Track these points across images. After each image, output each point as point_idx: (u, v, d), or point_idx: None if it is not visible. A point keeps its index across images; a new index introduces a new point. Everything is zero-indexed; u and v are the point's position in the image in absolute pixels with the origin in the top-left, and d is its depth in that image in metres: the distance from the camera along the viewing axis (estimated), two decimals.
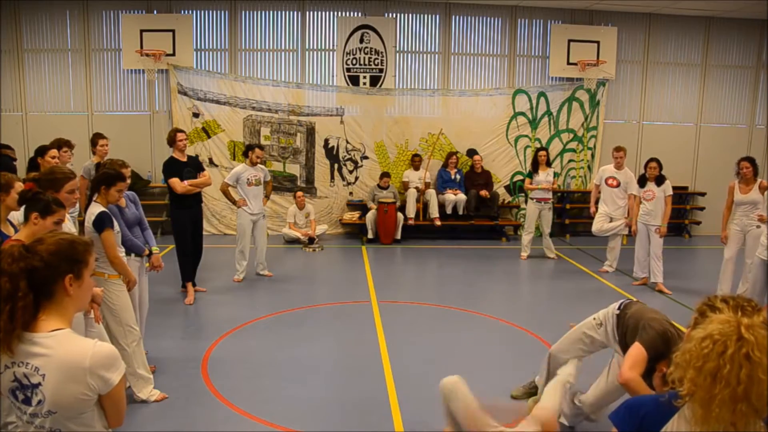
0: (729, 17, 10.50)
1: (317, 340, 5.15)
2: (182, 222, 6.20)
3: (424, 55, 10.30)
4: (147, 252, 4.40)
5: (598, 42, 10.19)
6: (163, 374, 4.29)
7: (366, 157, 10.21)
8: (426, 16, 10.19)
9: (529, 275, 7.87)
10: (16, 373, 1.71)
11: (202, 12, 9.84)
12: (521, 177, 10.23)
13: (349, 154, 10.18)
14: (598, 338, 3.53)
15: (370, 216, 9.49)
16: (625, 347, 3.19)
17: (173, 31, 9.52)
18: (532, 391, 4.01)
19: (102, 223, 3.69)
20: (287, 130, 10.01)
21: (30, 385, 1.69)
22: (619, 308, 3.44)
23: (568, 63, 10.20)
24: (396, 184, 9.99)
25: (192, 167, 6.21)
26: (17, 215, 3.32)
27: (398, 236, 9.48)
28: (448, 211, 9.71)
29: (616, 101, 10.73)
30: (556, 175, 9.58)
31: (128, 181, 4.19)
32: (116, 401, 1.78)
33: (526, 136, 10.45)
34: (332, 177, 10.20)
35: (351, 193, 10.25)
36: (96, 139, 6.50)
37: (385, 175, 9.73)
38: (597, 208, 7.75)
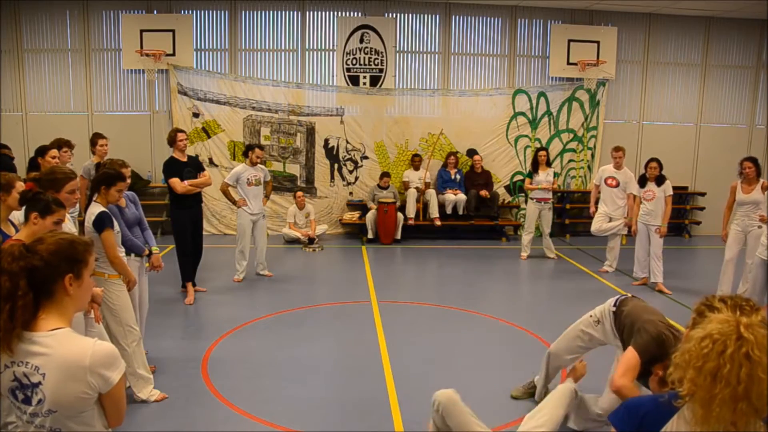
0: (729, 17, 10.50)
1: (317, 340, 5.15)
2: (182, 222, 6.20)
3: (424, 55, 10.30)
4: (147, 252, 4.40)
5: (598, 42, 10.19)
6: (163, 374, 4.29)
7: (366, 157, 10.21)
8: (426, 16, 10.19)
9: (529, 275, 7.87)
10: (15, 372, 1.71)
11: (202, 12, 9.84)
12: (521, 177, 10.23)
13: (349, 154, 10.18)
14: (597, 335, 3.52)
15: (370, 216, 9.49)
16: (625, 345, 3.19)
17: (173, 31, 9.52)
18: (532, 391, 4.01)
19: (102, 223, 3.69)
20: (287, 130, 10.01)
21: (30, 385, 1.69)
22: (615, 305, 3.43)
23: (568, 63, 10.20)
24: (396, 184, 9.99)
25: (192, 167, 6.21)
26: (18, 215, 3.32)
27: (398, 236, 9.48)
28: (448, 211, 9.71)
29: (616, 101, 10.73)
30: (556, 175, 9.58)
31: (128, 181, 4.19)
32: (116, 400, 1.78)
33: (526, 136, 10.45)
34: (332, 177, 10.20)
35: (351, 193, 10.25)
36: (95, 139, 6.50)
37: (385, 175, 9.73)
38: (597, 209, 7.75)
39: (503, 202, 10.33)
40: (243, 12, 9.89)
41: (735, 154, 9.36)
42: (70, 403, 1.70)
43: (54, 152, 5.54)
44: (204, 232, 7.06)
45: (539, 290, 7.28)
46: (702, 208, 10.79)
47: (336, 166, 10.18)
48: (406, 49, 10.22)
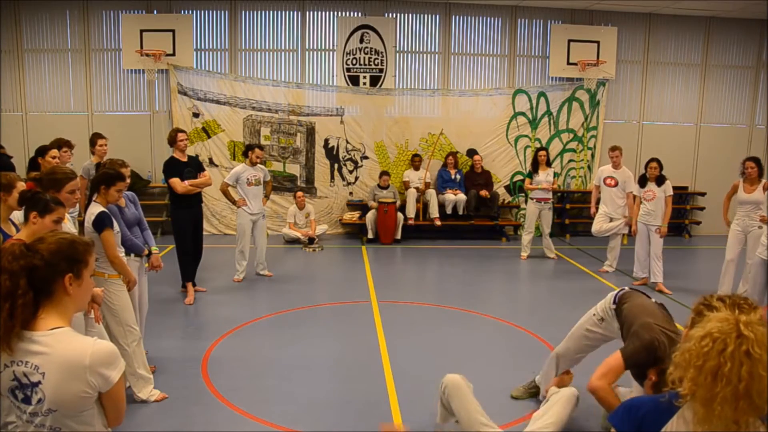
0: (729, 17, 10.50)
1: (317, 340, 5.14)
2: (182, 222, 6.20)
3: (424, 55, 10.30)
4: (146, 252, 4.40)
5: (598, 42, 10.19)
6: (163, 374, 4.28)
7: (366, 157, 10.21)
8: (426, 16, 10.19)
9: (529, 275, 7.87)
10: (15, 372, 1.70)
11: (202, 12, 9.84)
12: (521, 177, 10.23)
13: (349, 154, 10.18)
14: (602, 332, 3.51)
15: (370, 216, 9.49)
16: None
17: (173, 31, 9.52)
18: (532, 391, 4.01)
19: (102, 223, 3.69)
20: (287, 130, 10.01)
21: (30, 384, 1.69)
22: (614, 302, 3.41)
23: (568, 63, 10.20)
24: (396, 184, 9.99)
25: (192, 167, 6.21)
26: (19, 215, 3.32)
27: (398, 236, 9.48)
28: (448, 211, 9.71)
29: (616, 101, 10.73)
30: (556, 175, 9.58)
31: (128, 181, 4.19)
32: (116, 399, 1.78)
33: (526, 136, 10.45)
34: (332, 177, 10.20)
35: (351, 193, 10.25)
36: (95, 139, 6.49)
37: (384, 173, 9.73)
38: (597, 209, 7.76)
39: (503, 202, 10.33)
40: (243, 12, 9.89)
41: (735, 154, 9.36)
42: (69, 402, 1.70)
43: (54, 152, 5.54)
44: (204, 232, 7.05)
45: (539, 290, 7.27)
46: (702, 208, 10.79)
47: (336, 166, 10.18)
48: (406, 49, 10.23)
